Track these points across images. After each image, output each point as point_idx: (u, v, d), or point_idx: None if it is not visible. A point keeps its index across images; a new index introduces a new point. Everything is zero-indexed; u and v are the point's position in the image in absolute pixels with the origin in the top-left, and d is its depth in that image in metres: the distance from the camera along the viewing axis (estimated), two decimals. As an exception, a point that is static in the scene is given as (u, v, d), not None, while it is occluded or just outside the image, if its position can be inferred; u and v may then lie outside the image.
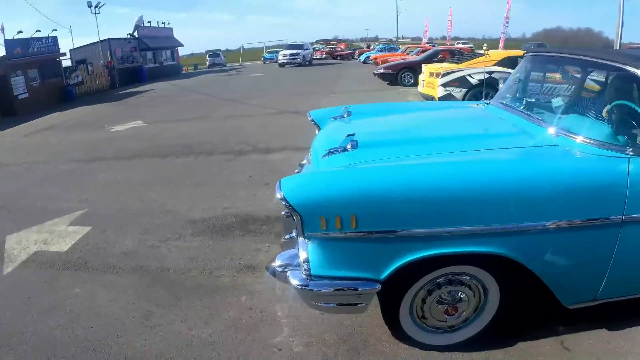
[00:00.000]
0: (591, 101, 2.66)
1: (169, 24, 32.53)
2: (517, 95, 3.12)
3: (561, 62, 3.15)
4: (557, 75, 3.31)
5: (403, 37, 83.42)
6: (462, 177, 1.91)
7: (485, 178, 1.91)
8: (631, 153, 2.04)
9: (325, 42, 58.01)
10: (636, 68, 2.18)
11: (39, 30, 17.54)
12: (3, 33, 16.05)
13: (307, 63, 28.54)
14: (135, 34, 27.39)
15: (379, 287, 1.87)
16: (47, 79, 17.35)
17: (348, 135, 2.51)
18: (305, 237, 1.84)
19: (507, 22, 17.13)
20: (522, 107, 2.89)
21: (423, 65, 10.81)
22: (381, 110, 3.28)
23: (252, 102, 12.10)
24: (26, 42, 16.60)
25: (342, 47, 46.46)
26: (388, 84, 14.77)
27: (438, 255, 1.87)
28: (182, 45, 34.73)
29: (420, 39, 35.34)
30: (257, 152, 6.38)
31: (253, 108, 10.73)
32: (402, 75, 14.42)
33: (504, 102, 3.05)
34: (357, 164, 2.13)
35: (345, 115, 3.22)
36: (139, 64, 26.90)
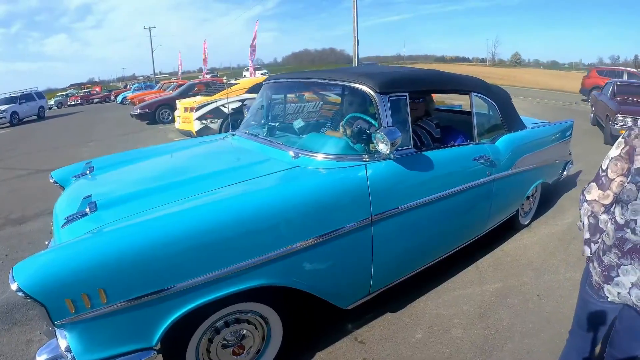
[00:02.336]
0: (329, 118, 2.92)
1: None
2: (262, 122, 3.19)
3: (297, 86, 3.40)
4: (296, 99, 3.59)
5: (161, 73, 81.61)
6: (210, 217, 1.80)
7: (235, 213, 1.84)
8: (367, 159, 2.30)
9: (80, 86, 52.10)
10: (359, 84, 2.48)
11: None
12: None
13: (36, 118, 21.41)
14: None
15: (154, 354, 1.71)
16: None
17: (85, 198, 2.14)
18: (56, 326, 1.55)
19: (254, 51, 18.36)
20: (265, 134, 2.96)
21: (177, 102, 10.59)
22: (127, 159, 2.90)
23: (-2, 165, 9.87)
24: None
25: (98, 89, 42.79)
26: (147, 123, 14.11)
27: (204, 304, 1.77)
28: None
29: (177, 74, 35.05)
30: (10, 225, 5.24)
31: (1, 172, 8.76)
32: (159, 113, 14.08)
33: (248, 132, 3.07)
34: (100, 229, 1.79)
35: (88, 172, 2.76)
36: None
